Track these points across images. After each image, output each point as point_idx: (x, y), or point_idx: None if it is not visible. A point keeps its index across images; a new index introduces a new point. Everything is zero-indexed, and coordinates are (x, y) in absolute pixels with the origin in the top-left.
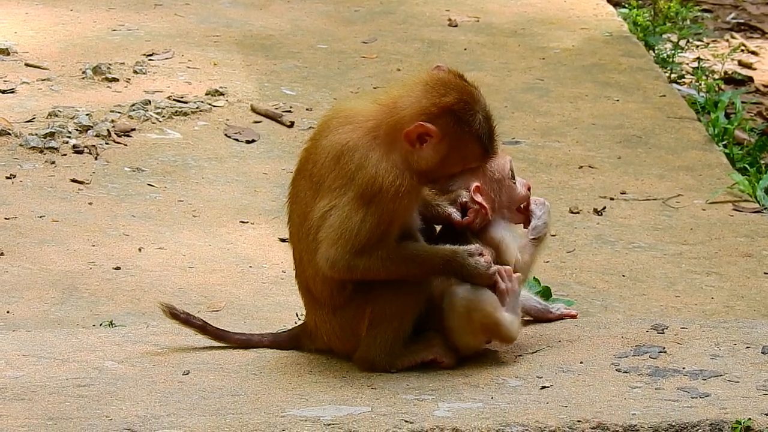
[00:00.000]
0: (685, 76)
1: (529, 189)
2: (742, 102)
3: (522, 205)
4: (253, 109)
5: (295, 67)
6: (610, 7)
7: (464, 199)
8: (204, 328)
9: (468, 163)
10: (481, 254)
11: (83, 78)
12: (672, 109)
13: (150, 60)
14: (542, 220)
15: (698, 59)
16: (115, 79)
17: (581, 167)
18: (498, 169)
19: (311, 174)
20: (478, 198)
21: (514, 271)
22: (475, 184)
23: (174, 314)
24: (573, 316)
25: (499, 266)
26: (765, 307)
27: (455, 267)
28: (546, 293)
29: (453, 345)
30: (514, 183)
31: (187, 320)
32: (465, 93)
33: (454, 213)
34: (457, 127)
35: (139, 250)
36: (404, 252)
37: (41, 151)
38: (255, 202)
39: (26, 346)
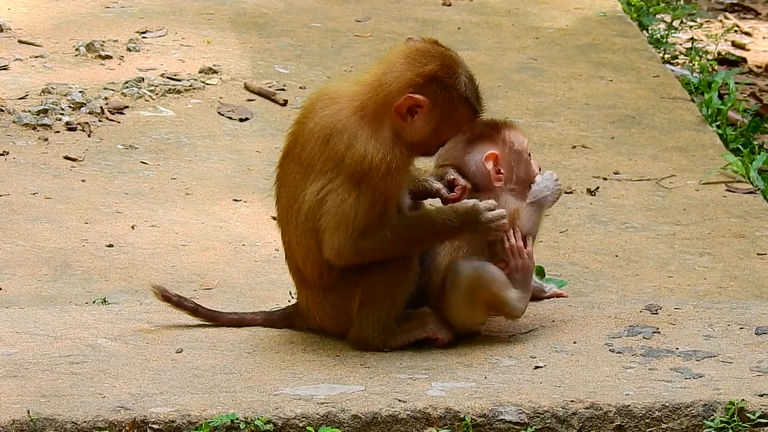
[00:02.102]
0: (679, 57)
1: (539, 170)
2: (736, 83)
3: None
4: (247, 87)
5: (288, 46)
6: None
7: (452, 176)
8: (196, 310)
9: (460, 127)
10: (490, 209)
11: (76, 55)
12: (665, 89)
13: (143, 37)
14: (542, 185)
15: (692, 40)
16: (108, 57)
17: (574, 147)
18: (518, 142)
19: (300, 157)
20: (489, 165)
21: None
22: (491, 151)
23: (166, 297)
24: (563, 296)
25: (512, 243)
26: (758, 288)
27: (468, 227)
28: (539, 273)
29: (450, 322)
30: (531, 159)
31: (179, 303)
32: (446, 58)
33: (443, 189)
34: (444, 93)
35: (132, 227)
36: (408, 223)
37: (34, 128)
38: (248, 180)
39: (19, 323)
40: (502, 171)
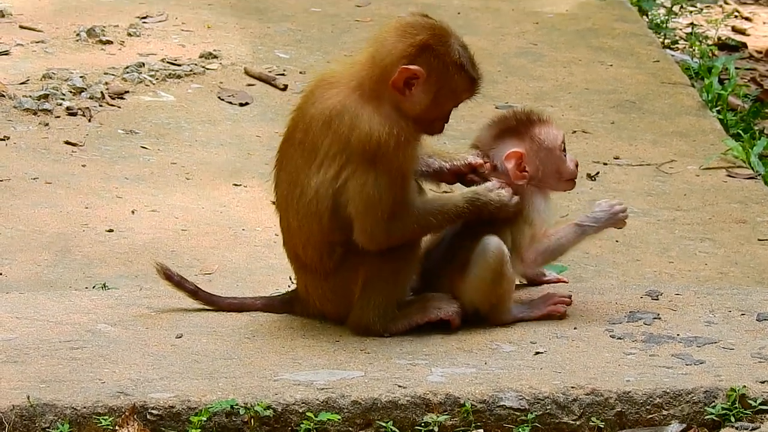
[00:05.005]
0: (679, 42)
1: (576, 166)
2: (736, 68)
3: (567, 179)
4: (247, 72)
5: (288, 30)
6: None
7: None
8: (195, 293)
9: (459, 96)
10: (500, 187)
11: (77, 40)
12: (666, 74)
13: (144, 22)
14: (596, 216)
15: (692, 25)
16: (109, 42)
17: (575, 132)
18: (550, 139)
19: (301, 142)
20: (509, 165)
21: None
22: (514, 150)
23: (168, 275)
24: (563, 281)
25: (561, 293)
26: (759, 274)
27: (480, 205)
28: None
29: (461, 296)
30: (565, 155)
31: (180, 283)
32: (435, 28)
33: (475, 158)
34: (438, 61)
35: (132, 212)
36: (430, 206)
37: (35, 113)
38: (248, 165)
39: (19, 308)
40: (527, 169)
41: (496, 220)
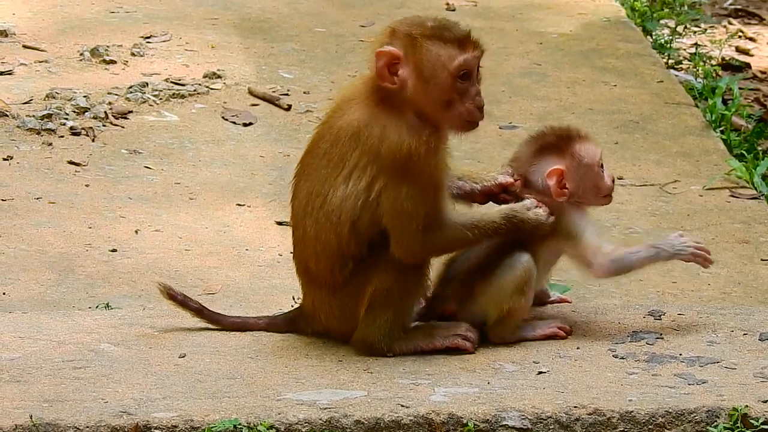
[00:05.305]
0: (683, 62)
1: (613, 181)
2: (740, 88)
3: (604, 194)
4: (251, 92)
5: (293, 50)
6: None
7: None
8: (200, 312)
9: (449, 64)
10: (537, 206)
11: (81, 60)
12: (669, 94)
13: (148, 42)
14: (672, 242)
15: (696, 45)
16: (112, 62)
17: None
18: (589, 155)
19: (327, 153)
20: (551, 182)
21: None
22: (556, 167)
23: (171, 295)
24: (567, 302)
25: (564, 327)
26: (762, 294)
27: (516, 222)
28: None
29: (473, 301)
30: (603, 171)
31: (183, 302)
32: (406, 17)
33: (505, 177)
34: (407, 37)
35: (136, 232)
36: (466, 220)
37: (38, 133)
38: (252, 185)
39: (22, 328)
40: (567, 186)
41: (530, 238)
